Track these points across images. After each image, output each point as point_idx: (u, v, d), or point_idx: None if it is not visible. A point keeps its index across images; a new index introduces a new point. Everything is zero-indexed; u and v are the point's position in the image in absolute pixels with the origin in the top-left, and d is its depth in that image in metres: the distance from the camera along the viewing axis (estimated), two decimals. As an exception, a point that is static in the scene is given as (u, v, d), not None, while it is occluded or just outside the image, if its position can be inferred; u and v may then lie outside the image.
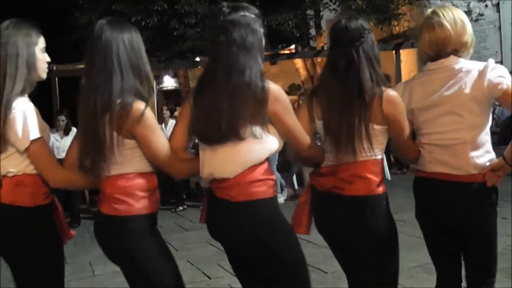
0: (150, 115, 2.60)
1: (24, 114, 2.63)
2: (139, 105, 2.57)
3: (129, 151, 2.63)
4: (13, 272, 2.83)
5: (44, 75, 2.82)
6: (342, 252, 3.08)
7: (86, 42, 2.70)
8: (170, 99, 16.69)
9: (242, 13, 2.63)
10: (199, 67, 15.06)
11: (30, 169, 2.74)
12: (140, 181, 2.68)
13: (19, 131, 2.62)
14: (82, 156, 2.69)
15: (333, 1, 13.93)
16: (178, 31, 12.47)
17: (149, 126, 2.60)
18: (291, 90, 17.12)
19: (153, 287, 2.68)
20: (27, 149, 2.65)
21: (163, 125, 10.96)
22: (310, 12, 14.80)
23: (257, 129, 2.58)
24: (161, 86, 18.77)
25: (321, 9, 14.43)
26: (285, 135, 2.72)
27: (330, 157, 2.92)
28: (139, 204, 2.66)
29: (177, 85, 18.15)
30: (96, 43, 2.61)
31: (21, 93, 2.69)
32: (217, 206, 2.70)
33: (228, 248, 2.81)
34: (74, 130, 10.03)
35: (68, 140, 9.68)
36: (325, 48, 14.48)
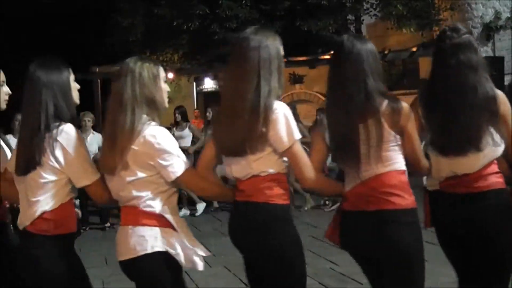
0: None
1: (286, 115, 2.73)
2: (405, 103, 2.79)
3: (396, 147, 2.80)
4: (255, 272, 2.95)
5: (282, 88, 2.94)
6: None
7: (335, 55, 2.90)
8: (209, 100, 16.84)
9: (464, 36, 2.97)
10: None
11: (282, 168, 2.82)
12: (405, 178, 2.85)
13: (283, 132, 2.71)
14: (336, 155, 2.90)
15: (374, 6, 13.88)
16: (219, 35, 12.56)
17: (414, 123, 2.84)
18: (329, 94, 17.10)
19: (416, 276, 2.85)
20: (288, 149, 2.75)
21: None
22: (350, 17, 14.77)
23: (494, 135, 2.93)
24: (201, 87, 18.87)
25: (362, 14, 14.38)
26: (507, 134, 3.00)
27: None
28: (412, 198, 2.82)
29: (217, 87, 18.29)
30: (349, 55, 2.78)
31: (275, 96, 2.78)
32: (454, 200, 3.00)
33: (458, 236, 3.04)
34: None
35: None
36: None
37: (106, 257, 6.44)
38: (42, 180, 2.81)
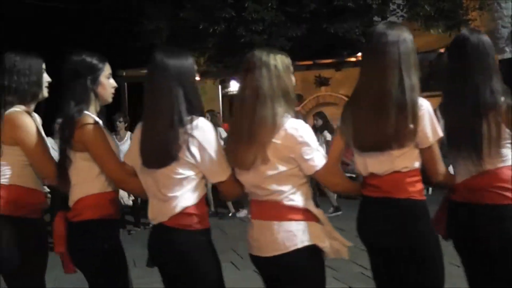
0: None
1: (430, 112, 2.77)
2: None
3: (509, 144, 2.88)
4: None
5: None
6: None
7: (459, 48, 2.94)
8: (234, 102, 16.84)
9: None
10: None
11: (419, 163, 2.82)
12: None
13: (428, 128, 2.74)
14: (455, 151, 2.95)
15: (401, 7, 13.76)
16: (245, 38, 12.54)
17: None
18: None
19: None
20: (430, 145, 2.78)
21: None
22: (377, 18, 14.66)
23: None
24: (226, 90, 18.89)
25: (388, 16, 14.25)
26: None
27: None
28: None
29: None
30: (476, 49, 2.86)
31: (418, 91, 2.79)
32: None
33: None
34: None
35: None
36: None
37: (135, 259, 6.44)
38: (178, 176, 2.78)
